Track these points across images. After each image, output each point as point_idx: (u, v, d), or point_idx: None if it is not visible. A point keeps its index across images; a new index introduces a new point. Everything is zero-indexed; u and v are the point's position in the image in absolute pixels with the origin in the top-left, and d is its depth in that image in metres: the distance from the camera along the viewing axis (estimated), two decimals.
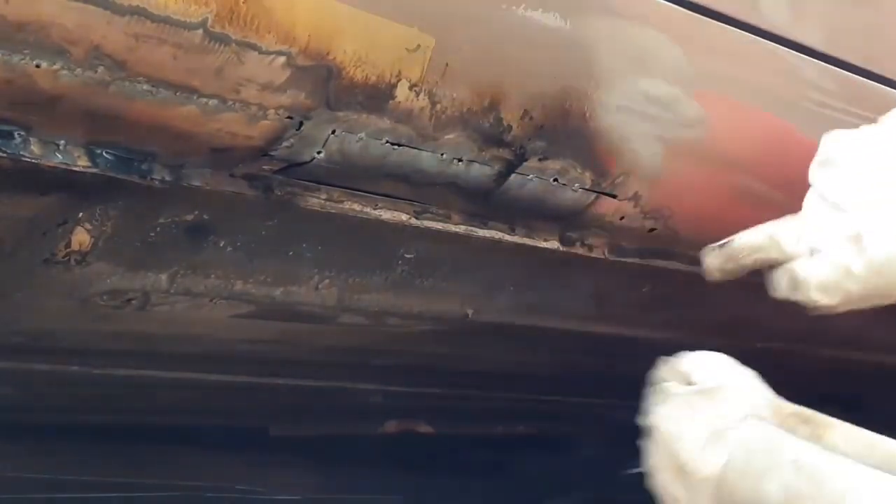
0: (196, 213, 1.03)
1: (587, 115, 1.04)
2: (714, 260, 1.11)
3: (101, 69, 0.79)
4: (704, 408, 1.02)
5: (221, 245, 1.08)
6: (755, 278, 1.46)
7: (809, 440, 0.98)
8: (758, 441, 0.98)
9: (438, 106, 0.96)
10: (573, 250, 1.24)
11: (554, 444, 2.49)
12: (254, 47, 0.83)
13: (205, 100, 0.85)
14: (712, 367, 1.06)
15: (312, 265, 1.16)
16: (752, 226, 1.32)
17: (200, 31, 0.80)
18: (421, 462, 2.31)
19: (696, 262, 1.36)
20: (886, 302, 1.03)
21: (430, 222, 1.12)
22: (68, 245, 0.99)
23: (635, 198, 1.16)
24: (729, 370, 1.07)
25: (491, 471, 2.51)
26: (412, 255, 1.20)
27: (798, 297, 1.05)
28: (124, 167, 0.91)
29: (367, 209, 1.08)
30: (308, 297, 1.19)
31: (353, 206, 1.07)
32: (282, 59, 0.85)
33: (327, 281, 1.18)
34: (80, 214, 0.97)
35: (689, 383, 1.06)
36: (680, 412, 1.03)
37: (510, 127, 1.01)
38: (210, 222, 1.05)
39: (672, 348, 1.62)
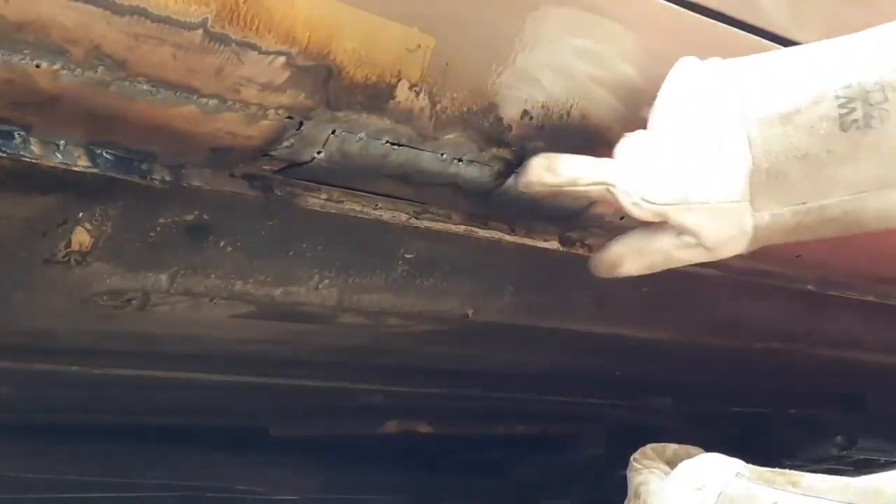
0: (196, 213, 1.03)
1: (587, 114, 1.04)
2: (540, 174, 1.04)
3: (101, 69, 0.79)
4: (688, 476, 1.07)
5: (221, 245, 1.08)
6: (755, 279, 1.46)
7: (786, 486, 1.03)
8: (738, 492, 1.03)
9: (438, 106, 0.96)
10: (573, 250, 1.24)
11: (554, 444, 2.49)
12: (254, 47, 0.83)
13: (205, 100, 0.85)
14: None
15: (312, 265, 1.16)
16: None
17: (200, 31, 0.80)
18: (421, 462, 2.31)
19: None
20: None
21: (430, 222, 1.12)
22: (68, 245, 0.99)
23: None
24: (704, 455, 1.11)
25: (491, 471, 2.51)
26: (412, 255, 1.20)
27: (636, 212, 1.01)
28: (124, 167, 0.91)
29: (367, 209, 1.08)
30: (308, 297, 1.19)
31: (353, 206, 1.07)
32: (282, 59, 0.85)
33: (327, 281, 1.18)
34: (80, 214, 0.97)
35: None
36: (664, 482, 1.08)
37: (510, 127, 1.01)
38: (210, 222, 1.05)
39: (672, 348, 1.62)
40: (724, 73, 1.00)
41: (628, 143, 1.01)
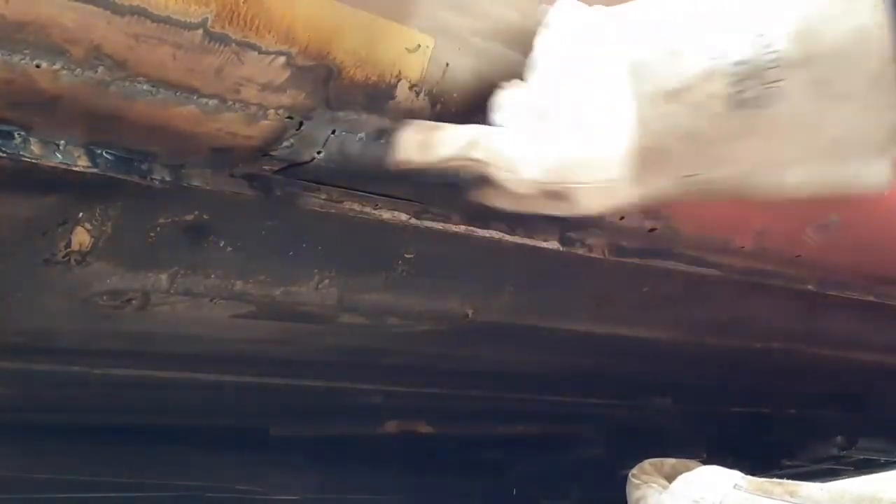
0: (196, 213, 1.03)
1: None
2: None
3: (101, 69, 0.79)
4: (686, 489, 1.06)
5: (221, 245, 1.08)
6: (755, 279, 1.46)
7: (784, 496, 1.02)
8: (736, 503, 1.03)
9: (438, 106, 0.96)
10: (573, 250, 1.24)
11: (554, 444, 2.49)
12: (254, 47, 0.83)
13: (205, 100, 0.85)
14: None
15: (312, 265, 1.16)
16: (751, 226, 1.32)
17: (200, 31, 0.80)
18: (421, 462, 2.31)
19: (697, 262, 1.36)
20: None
21: (430, 222, 1.12)
22: (68, 245, 0.99)
23: None
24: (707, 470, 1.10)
25: (491, 471, 2.51)
26: (412, 255, 1.20)
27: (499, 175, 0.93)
28: (124, 167, 0.91)
29: (367, 209, 1.08)
30: (308, 297, 1.19)
31: (353, 206, 1.07)
32: (282, 59, 0.85)
33: (327, 281, 1.18)
34: (80, 214, 0.97)
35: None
36: (662, 496, 1.07)
37: None
38: (210, 222, 1.05)
39: (672, 348, 1.62)
40: (612, 30, 0.91)
41: (507, 100, 0.93)
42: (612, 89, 0.90)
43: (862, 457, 2.53)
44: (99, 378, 1.49)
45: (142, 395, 1.69)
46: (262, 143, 0.92)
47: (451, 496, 2.41)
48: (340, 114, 0.92)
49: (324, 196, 1.04)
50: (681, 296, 1.48)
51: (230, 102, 0.87)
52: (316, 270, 1.17)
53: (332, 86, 0.89)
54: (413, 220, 1.11)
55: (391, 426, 2.17)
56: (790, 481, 1.05)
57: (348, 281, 1.19)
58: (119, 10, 0.76)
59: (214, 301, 1.15)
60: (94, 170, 0.89)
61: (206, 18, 0.79)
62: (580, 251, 1.25)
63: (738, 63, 0.87)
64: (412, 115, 0.95)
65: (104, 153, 0.90)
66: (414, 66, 0.91)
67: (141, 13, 0.77)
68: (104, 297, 1.09)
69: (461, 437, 2.35)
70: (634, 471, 1.14)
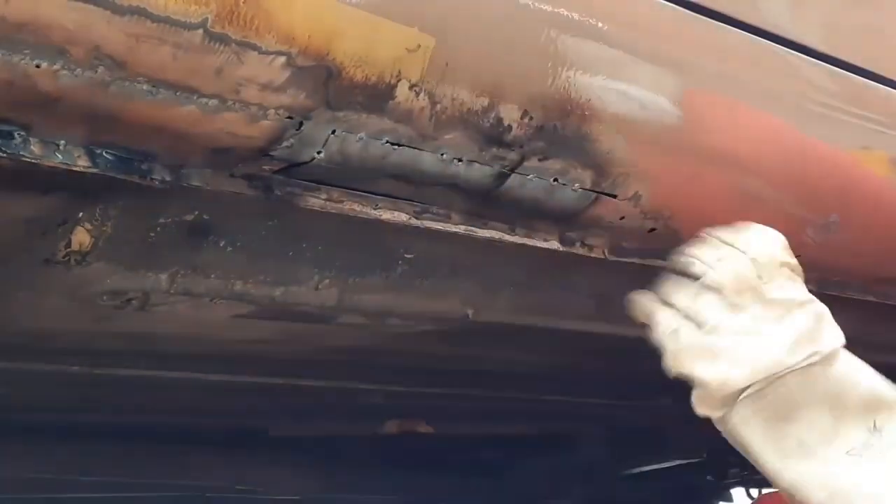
0: (196, 213, 1.03)
1: (587, 115, 1.04)
2: None
3: (101, 69, 0.79)
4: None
5: (221, 245, 1.08)
6: None
7: None
8: None
9: (438, 106, 0.95)
10: (573, 250, 1.24)
11: (554, 444, 2.49)
12: (254, 47, 0.83)
13: (205, 100, 0.85)
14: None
15: (312, 265, 1.16)
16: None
17: (200, 32, 0.80)
18: (421, 462, 2.31)
19: None
20: None
21: (430, 222, 1.12)
22: (68, 245, 0.99)
23: (635, 198, 1.16)
24: None
25: (491, 471, 2.51)
26: (412, 255, 1.20)
27: None
28: (124, 167, 0.91)
29: (367, 209, 1.08)
30: (308, 297, 1.19)
31: (353, 206, 1.07)
32: (282, 59, 0.85)
33: (327, 281, 1.18)
34: (80, 214, 0.97)
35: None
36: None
37: (510, 127, 1.01)
38: (210, 222, 1.05)
39: None
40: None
41: None
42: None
43: None
44: (99, 378, 1.49)
45: (142, 395, 1.69)
46: (263, 143, 0.92)
47: (451, 496, 2.42)
48: (340, 114, 0.92)
49: (324, 196, 1.04)
50: None
51: (230, 102, 0.87)
52: (316, 270, 1.17)
53: (331, 86, 0.89)
54: (413, 220, 1.11)
55: (391, 426, 2.18)
56: None
57: (348, 281, 1.19)
58: (119, 10, 0.76)
59: (214, 301, 1.15)
60: (94, 170, 0.89)
61: (206, 18, 0.80)
62: (580, 251, 1.24)
63: None
64: (412, 115, 0.95)
65: (104, 153, 0.90)
66: (414, 66, 0.91)
67: (141, 13, 0.77)
68: (104, 297, 1.09)
69: (461, 437, 2.35)
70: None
